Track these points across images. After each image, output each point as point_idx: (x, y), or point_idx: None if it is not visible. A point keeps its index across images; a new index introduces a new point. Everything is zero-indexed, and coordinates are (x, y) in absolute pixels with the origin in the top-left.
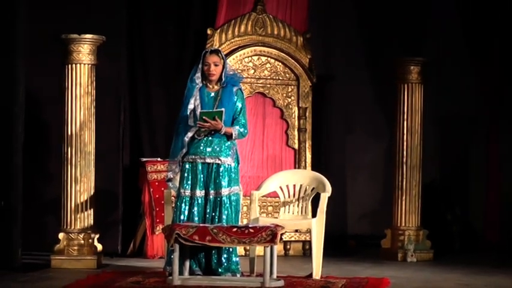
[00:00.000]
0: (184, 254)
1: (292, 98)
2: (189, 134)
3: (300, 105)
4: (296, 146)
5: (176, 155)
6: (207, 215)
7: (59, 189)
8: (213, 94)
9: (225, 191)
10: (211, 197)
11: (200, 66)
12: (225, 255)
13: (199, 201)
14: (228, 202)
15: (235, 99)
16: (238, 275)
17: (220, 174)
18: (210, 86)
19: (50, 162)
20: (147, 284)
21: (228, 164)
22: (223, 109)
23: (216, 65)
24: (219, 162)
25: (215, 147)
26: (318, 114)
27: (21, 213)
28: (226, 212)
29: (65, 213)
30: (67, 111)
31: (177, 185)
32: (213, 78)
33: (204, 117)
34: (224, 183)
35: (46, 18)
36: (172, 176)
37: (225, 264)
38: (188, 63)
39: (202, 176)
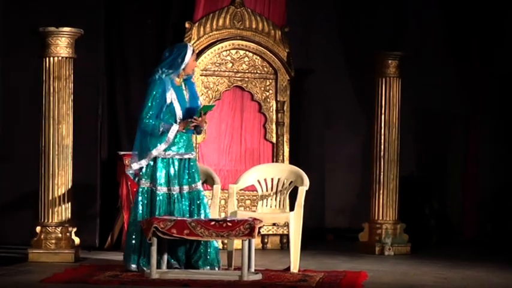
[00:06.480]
0: (161, 248)
1: (271, 91)
2: (175, 129)
3: (278, 99)
4: (274, 140)
5: (147, 151)
6: (184, 211)
7: (36, 182)
8: (182, 86)
9: (199, 185)
10: (185, 192)
11: (184, 60)
12: (202, 249)
13: (178, 197)
14: (203, 195)
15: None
16: (216, 268)
17: (193, 169)
18: (178, 79)
19: (28, 155)
20: (124, 278)
21: (195, 158)
22: (215, 104)
23: None
24: (191, 156)
25: (187, 142)
26: (296, 108)
27: None
28: (202, 206)
29: (43, 207)
30: (45, 104)
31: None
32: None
33: (202, 112)
34: (197, 177)
35: (23, 11)
36: (137, 171)
37: (203, 257)
38: None
39: (177, 171)
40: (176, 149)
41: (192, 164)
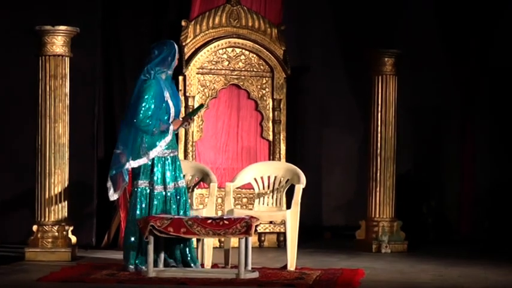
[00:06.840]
0: (158, 246)
1: (267, 89)
2: (171, 129)
3: (275, 97)
4: (270, 138)
5: (146, 150)
6: (174, 207)
7: (32, 181)
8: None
9: (184, 182)
10: (172, 189)
11: (175, 58)
12: (187, 248)
13: (171, 195)
14: (186, 193)
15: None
16: (198, 264)
17: (178, 166)
18: (164, 77)
19: (24, 154)
20: (121, 277)
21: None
22: (207, 105)
23: None
24: (176, 154)
25: (176, 139)
26: (293, 106)
27: None
28: (186, 203)
29: (39, 206)
30: (41, 103)
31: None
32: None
33: (198, 113)
34: (181, 174)
35: (20, 10)
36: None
37: (193, 254)
38: None
39: (169, 169)
40: (170, 147)
41: (177, 161)
